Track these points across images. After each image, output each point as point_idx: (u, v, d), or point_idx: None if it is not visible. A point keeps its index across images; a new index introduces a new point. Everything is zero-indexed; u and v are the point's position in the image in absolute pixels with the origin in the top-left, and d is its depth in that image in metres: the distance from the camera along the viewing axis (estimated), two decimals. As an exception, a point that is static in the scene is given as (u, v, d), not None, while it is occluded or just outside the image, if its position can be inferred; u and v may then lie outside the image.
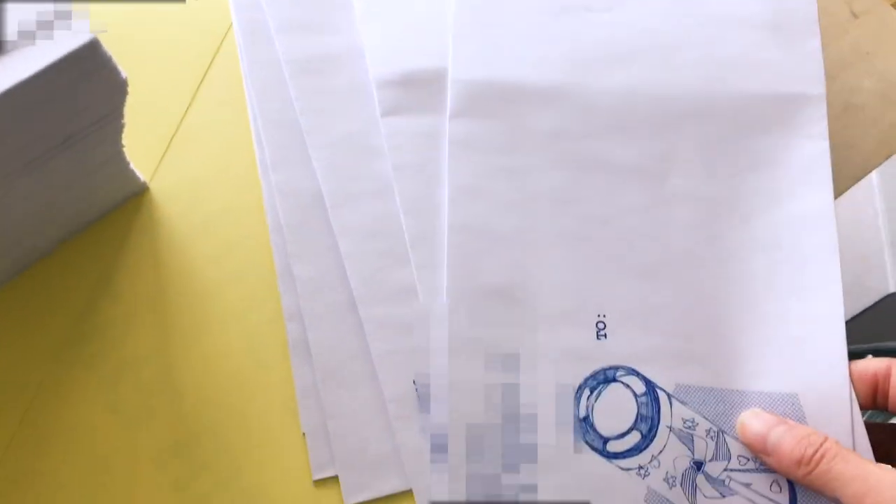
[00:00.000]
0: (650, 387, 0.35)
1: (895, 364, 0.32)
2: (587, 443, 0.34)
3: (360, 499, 0.34)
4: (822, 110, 0.38)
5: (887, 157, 0.45)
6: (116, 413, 0.35)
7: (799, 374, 0.34)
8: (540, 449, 0.34)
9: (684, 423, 0.34)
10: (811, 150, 0.38)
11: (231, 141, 0.40)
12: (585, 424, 0.34)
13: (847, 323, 0.35)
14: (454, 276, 0.35)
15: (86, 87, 0.28)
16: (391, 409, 0.35)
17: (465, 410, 0.34)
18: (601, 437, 0.34)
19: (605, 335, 0.35)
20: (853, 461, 0.29)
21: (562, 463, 0.34)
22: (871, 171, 0.45)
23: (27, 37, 0.25)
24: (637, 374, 0.35)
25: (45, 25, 0.25)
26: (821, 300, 0.35)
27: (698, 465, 0.34)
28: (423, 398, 0.34)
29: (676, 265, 0.36)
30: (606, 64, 0.38)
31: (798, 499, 0.33)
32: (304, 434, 0.35)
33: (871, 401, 0.33)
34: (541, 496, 0.33)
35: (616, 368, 0.35)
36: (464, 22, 0.39)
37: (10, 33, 0.25)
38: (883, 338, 0.71)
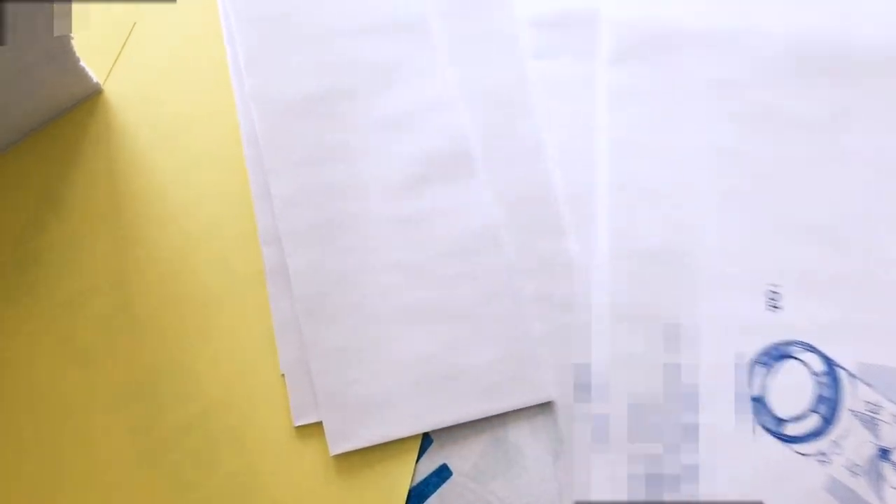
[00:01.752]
0: (830, 365, 0.31)
1: None
2: (761, 425, 0.30)
3: (346, 448, 0.30)
4: None
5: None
6: (67, 349, 0.31)
7: None
8: (707, 430, 0.30)
9: (867, 406, 0.30)
10: None
11: (198, 35, 0.35)
12: (759, 404, 0.31)
13: None
14: (615, 238, 0.32)
15: None
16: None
17: (628, 388, 0.30)
18: (777, 418, 0.30)
19: (778, 306, 0.32)
20: None
21: (733, 445, 0.30)
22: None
23: None
24: (815, 350, 0.31)
25: None
26: None
27: (884, 453, 0.30)
28: (581, 385, 0.31)
29: (856, 227, 0.32)
30: (778, 6, 0.35)
31: None
32: (282, 375, 0.31)
33: None
34: (711, 482, 0.30)
35: (791, 343, 0.31)
36: None
37: None
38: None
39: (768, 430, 0.30)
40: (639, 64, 0.34)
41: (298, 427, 0.30)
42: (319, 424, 0.30)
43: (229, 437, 0.30)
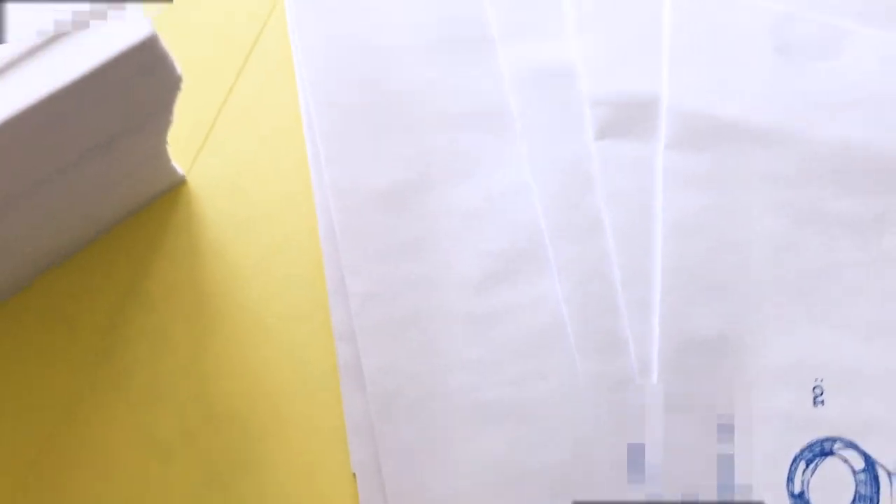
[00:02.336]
0: (870, 463, 0.31)
1: None
2: None
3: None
4: None
5: None
6: (148, 439, 0.31)
7: None
8: None
9: None
10: None
11: (280, 127, 0.36)
12: (800, 501, 0.31)
13: None
14: (666, 325, 0.33)
15: (138, 85, 0.23)
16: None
17: (678, 480, 0.31)
18: None
19: (822, 401, 0.32)
20: None
21: None
22: None
23: (79, 25, 0.21)
24: (856, 447, 0.32)
25: (99, 14, 0.21)
26: None
27: None
28: (634, 463, 0.31)
29: (892, 330, 0.33)
30: (822, 113, 0.36)
31: None
32: (353, 474, 0.31)
33: None
34: None
35: (834, 440, 0.32)
36: (680, 46, 0.36)
37: (61, 22, 0.20)
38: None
39: None
40: (695, 152, 0.35)
41: (370, 530, 0.31)
42: (390, 528, 0.31)
43: (302, 537, 0.30)
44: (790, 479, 0.31)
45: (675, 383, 0.32)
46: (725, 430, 0.32)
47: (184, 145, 0.34)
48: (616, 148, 0.35)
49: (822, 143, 0.35)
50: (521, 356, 0.33)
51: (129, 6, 0.21)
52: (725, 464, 0.31)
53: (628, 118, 0.35)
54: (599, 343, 0.33)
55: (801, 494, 0.31)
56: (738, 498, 0.31)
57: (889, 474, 0.31)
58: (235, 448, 0.32)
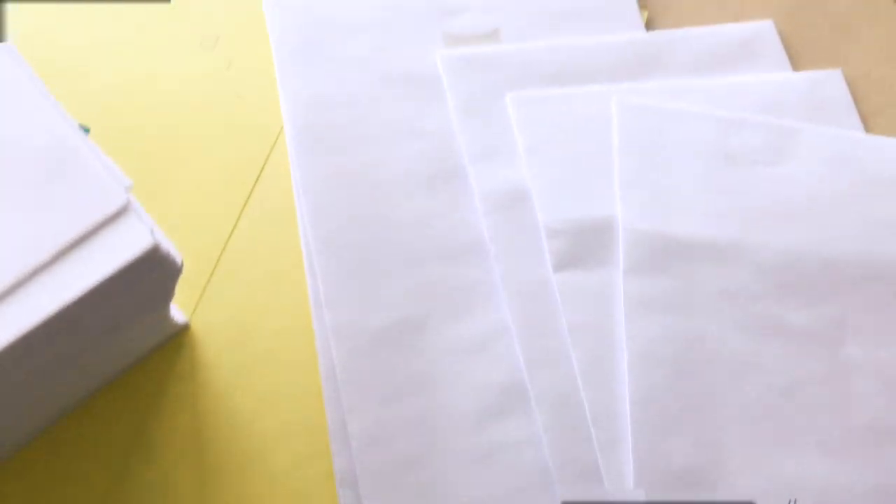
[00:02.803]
0: None
1: None
2: None
3: None
4: None
5: None
6: None
7: None
8: None
9: None
10: None
11: (280, 268, 0.36)
12: None
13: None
14: (639, 458, 0.33)
15: (142, 282, 0.24)
16: None
17: None
18: None
19: None
20: None
21: None
22: None
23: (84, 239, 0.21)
24: None
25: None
26: None
27: None
28: None
29: (860, 440, 0.34)
30: (774, 221, 0.37)
31: None
32: None
33: None
34: None
35: None
36: (630, 166, 0.38)
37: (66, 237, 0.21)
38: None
39: None
40: (654, 274, 0.36)
41: None
42: None
43: None
44: None
45: None
46: None
47: (186, 292, 0.35)
48: (575, 279, 0.36)
49: (776, 253, 0.36)
50: (521, 492, 0.33)
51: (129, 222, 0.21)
52: None
53: (584, 246, 0.36)
54: (577, 473, 0.33)
55: None
56: None
57: None
58: None
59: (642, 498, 0.32)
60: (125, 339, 0.29)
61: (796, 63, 0.44)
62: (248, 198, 0.37)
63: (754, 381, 0.34)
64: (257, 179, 0.37)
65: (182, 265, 0.26)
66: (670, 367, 0.34)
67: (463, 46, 0.41)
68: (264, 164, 0.38)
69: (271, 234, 0.37)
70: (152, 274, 0.23)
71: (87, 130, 0.36)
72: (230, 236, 0.36)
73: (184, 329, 0.35)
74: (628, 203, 0.37)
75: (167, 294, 0.27)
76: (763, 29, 0.44)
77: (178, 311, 0.34)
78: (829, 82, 0.42)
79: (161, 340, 0.34)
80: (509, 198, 0.37)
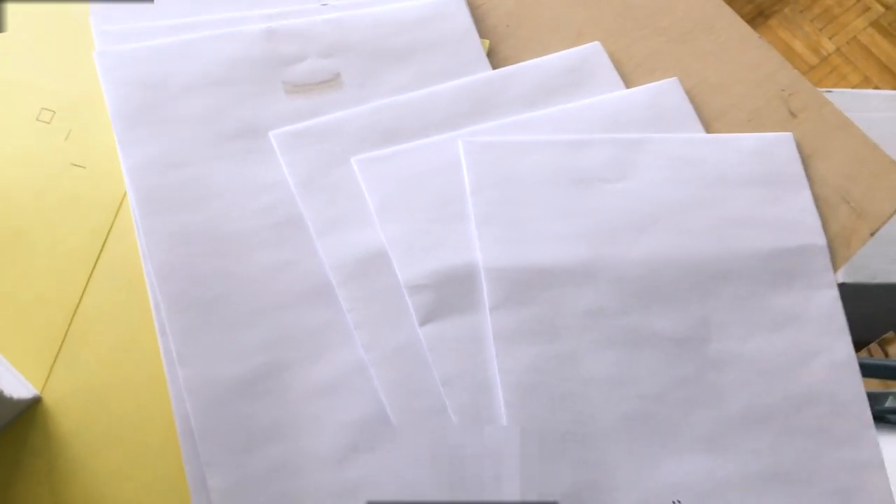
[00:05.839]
0: None
1: None
2: None
3: None
4: (827, 260, 0.40)
5: (845, 260, 0.44)
6: None
7: None
8: None
9: None
10: (826, 299, 0.39)
11: (131, 331, 0.37)
12: None
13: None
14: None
15: None
16: None
17: None
18: None
19: None
20: None
21: None
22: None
23: None
24: None
25: None
26: (864, 446, 0.37)
27: None
28: None
29: (736, 431, 0.36)
30: (628, 234, 0.39)
31: None
32: None
33: None
34: None
35: None
36: (484, 204, 0.39)
37: None
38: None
39: None
40: (519, 307, 0.37)
41: None
42: None
43: None
44: None
45: None
46: None
47: (35, 363, 0.35)
48: (442, 330, 0.36)
49: (633, 265, 0.39)
50: None
51: None
52: None
53: (449, 295, 0.37)
54: None
55: None
56: None
57: None
58: None
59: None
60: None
61: (635, 77, 0.46)
62: (95, 266, 0.38)
63: (627, 392, 0.36)
64: (103, 246, 0.38)
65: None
66: (545, 395, 0.35)
67: (304, 96, 0.42)
68: (109, 229, 0.38)
69: (120, 300, 0.37)
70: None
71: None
72: (78, 305, 0.37)
73: (35, 402, 0.35)
74: (486, 241, 0.38)
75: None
76: (592, 51, 0.46)
77: (26, 385, 0.34)
78: (668, 91, 0.45)
79: (12, 413, 0.34)
80: (362, 264, 0.38)
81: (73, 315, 0.36)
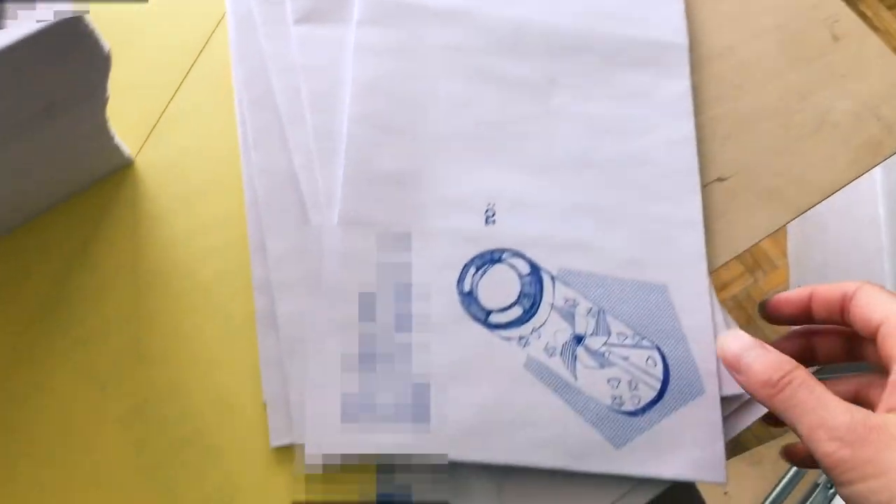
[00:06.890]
0: (535, 268, 0.38)
1: (865, 284, 0.33)
2: (470, 314, 0.37)
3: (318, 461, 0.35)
4: (684, 56, 0.45)
5: (858, 175, 0.47)
6: (85, 375, 0.36)
7: (667, 268, 0.39)
8: (423, 318, 0.37)
9: (566, 301, 0.38)
10: (677, 88, 0.44)
11: (216, 122, 0.42)
12: (469, 298, 0.37)
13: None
14: (350, 161, 0.39)
15: (68, 57, 0.29)
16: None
17: (358, 280, 0.37)
18: (484, 309, 0.37)
19: (494, 221, 0.39)
20: (817, 392, 0.30)
21: (448, 330, 0.37)
22: (840, 187, 0.46)
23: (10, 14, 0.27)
24: (523, 256, 0.38)
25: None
26: (685, 206, 0.41)
27: (579, 339, 0.37)
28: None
29: (564, 167, 0.41)
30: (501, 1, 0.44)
31: (670, 371, 0.37)
32: (264, 404, 0.36)
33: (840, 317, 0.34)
34: (425, 361, 0.36)
35: (502, 251, 0.38)
36: None
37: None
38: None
39: (476, 319, 0.36)
40: (383, 28, 0.42)
41: (275, 447, 0.35)
42: (292, 447, 0.35)
43: (217, 452, 0.35)
44: (461, 280, 0.37)
45: (356, 206, 0.38)
46: (402, 239, 0.38)
47: (134, 132, 0.41)
48: (313, 32, 0.42)
49: (500, 21, 0.44)
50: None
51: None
52: (403, 267, 0.37)
53: (326, 7, 0.42)
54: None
55: (470, 293, 0.37)
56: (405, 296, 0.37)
57: (552, 277, 0.38)
58: (162, 382, 0.36)
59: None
60: (68, 148, 0.35)
61: None
62: (193, 64, 0.43)
63: (468, 114, 0.41)
64: (201, 50, 0.43)
65: (110, 55, 0.31)
66: (387, 96, 0.40)
67: None
68: (208, 38, 0.44)
69: (210, 95, 0.42)
70: (77, 49, 0.28)
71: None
72: (175, 93, 0.42)
73: (129, 164, 0.40)
74: None
75: (100, 86, 0.32)
76: None
77: (123, 145, 0.39)
78: None
79: (108, 169, 0.39)
80: None
81: (169, 102, 0.42)
